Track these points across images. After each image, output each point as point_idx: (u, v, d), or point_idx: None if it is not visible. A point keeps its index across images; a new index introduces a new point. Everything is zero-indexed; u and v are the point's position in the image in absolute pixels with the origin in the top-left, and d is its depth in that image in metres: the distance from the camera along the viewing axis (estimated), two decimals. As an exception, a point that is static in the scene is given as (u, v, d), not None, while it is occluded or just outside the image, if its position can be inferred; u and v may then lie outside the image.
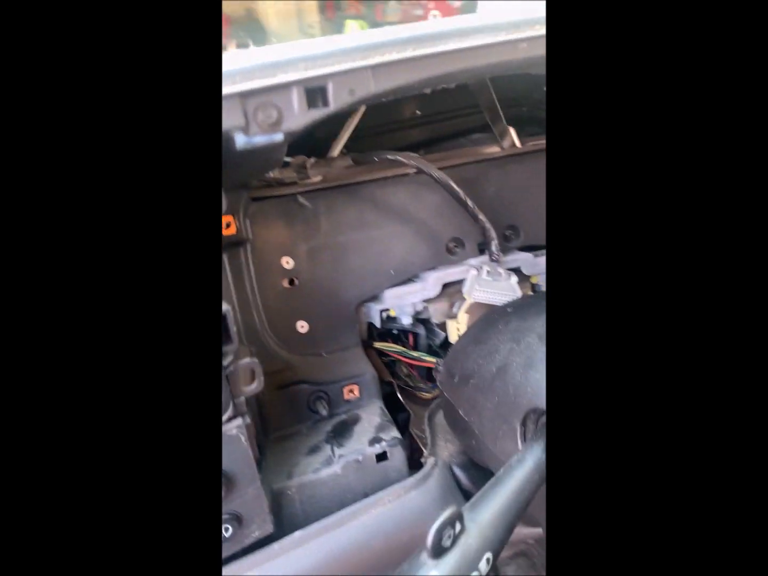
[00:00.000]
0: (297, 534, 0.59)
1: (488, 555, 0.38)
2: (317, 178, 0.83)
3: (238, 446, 0.50)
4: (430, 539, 0.36)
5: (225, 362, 0.46)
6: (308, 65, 0.43)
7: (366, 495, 0.67)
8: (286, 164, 0.84)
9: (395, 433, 0.71)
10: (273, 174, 0.81)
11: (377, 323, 0.91)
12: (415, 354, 0.96)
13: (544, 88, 1.06)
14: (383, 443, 0.68)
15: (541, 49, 0.50)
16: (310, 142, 0.95)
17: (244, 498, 0.53)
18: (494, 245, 0.86)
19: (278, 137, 0.44)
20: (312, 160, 0.83)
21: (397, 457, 0.69)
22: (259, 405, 0.73)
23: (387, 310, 0.91)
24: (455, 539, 0.37)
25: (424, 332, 1.00)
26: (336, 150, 0.86)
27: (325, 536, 0.60)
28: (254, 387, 0.50)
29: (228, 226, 0.73)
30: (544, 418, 0.51)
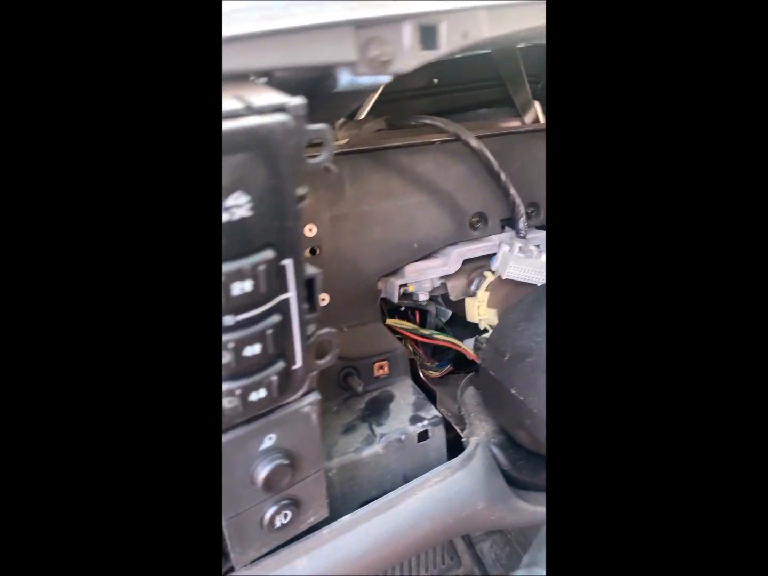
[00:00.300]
0: (346, 518, 0.56)
1: None
2: (344, 141, 0.77)
3: (309, 426, 0.45)
4: None
5: (308, 332, 0.41)
6: (423, -2, 0.38)
7: (405, 476, 0.64)
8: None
9: (435, 411, 0.68)
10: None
11: (395, 299, 0.87)
12: (426, 332, 0.94)
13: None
14: (425, 422, 0.65)
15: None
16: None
17: (306, 482, 0.48)
18: (522, 222, 0.84)
19: (384, 79, 0.39)
20: (341, 120, 0.77)
21: (438, 436, 0.66)
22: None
23: (406, 285, 0.87)
24: None
25: (434, 310, 0.97)
26: (364, 111, 0.80)
27: (374, 520, 0.56)
28: (327, 360, 0.45)
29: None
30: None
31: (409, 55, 0.39)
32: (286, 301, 0.37)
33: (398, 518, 0.57)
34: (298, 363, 0.41)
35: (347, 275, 0.80)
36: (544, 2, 0.43)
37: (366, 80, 0.38)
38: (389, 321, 0.92)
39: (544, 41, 0.77)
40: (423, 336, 0.93)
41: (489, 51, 0.98)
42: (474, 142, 0.76)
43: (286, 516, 0.48)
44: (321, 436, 0.46)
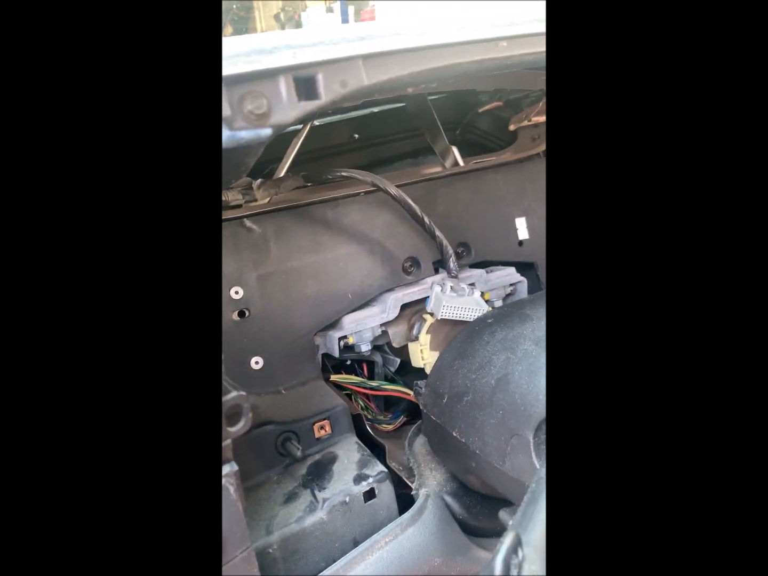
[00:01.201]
0: (290, 598, 0.51)
1: (552, 581, 0.33)
2: (264, 200, 0.77)
3: (227, 499, 0.41)
4: (498, 571, 0.31)
5: (211, 397, 0.38)
6: (297, 53, 0.39)
7: (355, 540, 0.60)
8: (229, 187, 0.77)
9: (380, 467, 0.64)
10: (217, 196, 0.74)
11: (336, 353, 0.84)
12: (374, 383, 0.91)
13: (479, 110, 1.09)
14: (370, 480, 0.62)
15: (519, 49, 0.50)
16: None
17: (233, 563, 0.44)
18: (452, 261, 0.85)
19: (265, 132, 0.39)
20: (258, 180, 0.77)
21: (386, 493, 0.62)
22: (221, 454, 0.64)
23: (345, 337, 0.85)
24: (520, 569, 0.32)
25: (381, 360, 0.95)
26: (283, 170, 0.80)
27: (321, 596, 0.52)
28: (241, 426, 0.42)
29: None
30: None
31: (288, 107, 0.39)
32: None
33: (348, 590, 0.53)
34: (206, 432, 0.38)
35: (281, 334, 0.78)
36: (425, 50, 0.44)
37: (246, 134, 0.38)
38: (334, 377, 0.89)
39: (440, 88, 0.80)
40: (371, 388, 0.91)
41: (403, 104, 1.02)
42: (393, 190, 0.77)
43: (213, 606, 0.43)
44: (243, 510, 0.43)
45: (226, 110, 0.36)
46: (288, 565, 0.57)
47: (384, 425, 0.91)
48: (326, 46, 0.40)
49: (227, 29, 6.15)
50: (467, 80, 0.78)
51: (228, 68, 0.36)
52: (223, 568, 0.44)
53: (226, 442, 0.42)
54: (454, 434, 0.58)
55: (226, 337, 0.74)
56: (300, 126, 0.86)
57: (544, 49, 0.52)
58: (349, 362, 0.95)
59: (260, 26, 6.26)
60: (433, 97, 0.98)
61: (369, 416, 0.91)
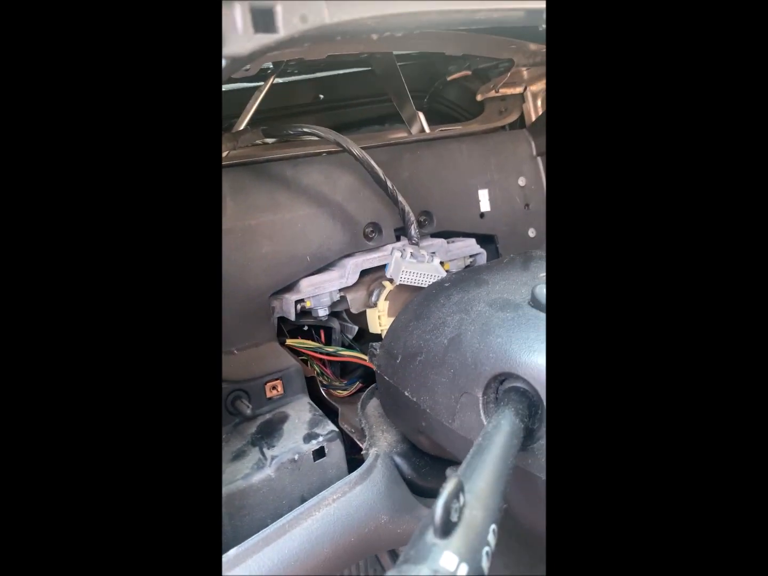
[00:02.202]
0: (231, 552, 0.50)
1: (493, 526, 0.34)
2: (223, 154, 0.74)
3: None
4: (438, 516, 0.31)
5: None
6: (254, -20, 0.36)
7: (303, 498, 0.60)
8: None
9: (331, 426, 0.64)
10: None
11: (292, 316, 0.83)
12: (330, 349, 0.90)
13: (447, 79, 1.08)
14: (320, 438, 0.61)
15: (488, 5, 0.49)
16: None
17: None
18: (413, 228, 0.84)
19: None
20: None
21: (336, 452, 0.62)
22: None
23: (303, 301, 0.84)
24: (461, 513, 0.33)
25: (338, 326, 0.95)
26: (242, 124, 0.77)
27: (265, 550, 0.51)
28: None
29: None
30: (508, 383, 0.48)
31: (243, 38, 0.37)
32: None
33: (293, 544, 0.53)
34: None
35: (235, 293, 0.76)
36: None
37: (197, 63, 0.36)
38: (289, 341, 0.88)
39: (407, 45, 0.78)
40: (327, 354, 0.90)
41: (370, 68, 0.99)
42: (356, 151, 0.76)
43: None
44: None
45: (174, 34, 0.34)
46: (234, 520, 0.56)
47: (339, 391, 0.91)
48: (286, -24, 0.38)
49: None
50: (435, 40, 0.76)
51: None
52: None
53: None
54: (406, 393, 0.58)
55: (178, 294, 0.72)
56: (261, 83, 0.83)
57: (513, 6, 0.51)
58: (306, 328, 0.94)
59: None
60: (401, 63, 0.96)
61: (324, 382, 0.90)
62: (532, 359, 0.46)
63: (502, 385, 0.49)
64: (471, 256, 0.98)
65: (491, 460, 0.39)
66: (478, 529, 0.33)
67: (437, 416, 0.54)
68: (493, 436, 0.41)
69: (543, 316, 0.50)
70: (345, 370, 0.98)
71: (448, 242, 0.94)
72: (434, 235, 0.95)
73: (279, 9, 0.38)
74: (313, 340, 0.93)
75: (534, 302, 0.52)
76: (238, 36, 0.37)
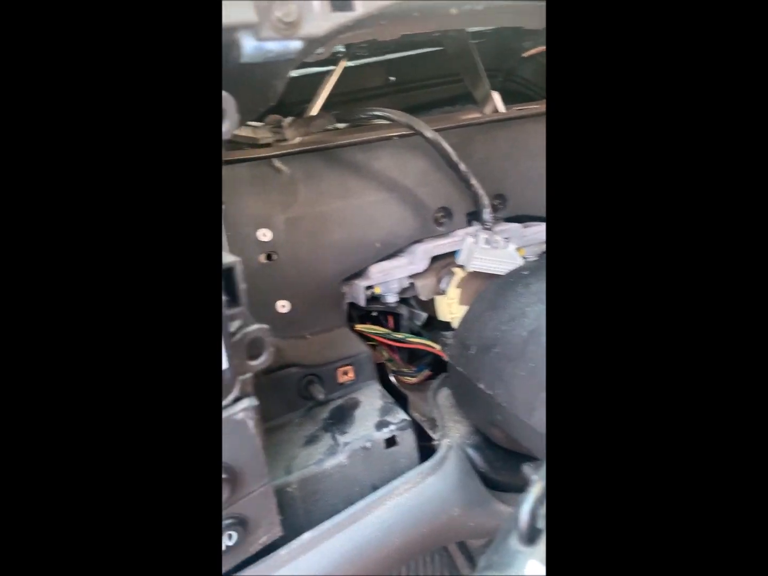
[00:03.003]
0: (306, 536, 0.51)
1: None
2: (295, 140, 0.74)
3: (245, 434, 0.40)
4: (523, 522, 0.29)
5: (232, 328, 0.37)
6: (331, -44, 0.35)
7: (374, 486, 0.60)
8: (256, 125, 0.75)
9: (403, 415, 0.63)
10: (245, 133, 0.72)
11: (362, 302, 0.83)
12: (399, 335, 0.89)
13: (523, 56, 1.03)
14: (392, 426, 0.61)
15: None
16: (282, 109, 0.86)
17: (251, 497, 0.43)
18: (487, 212, 0.81)
19: (294, 45, 0.36)
20: (289, 118, 0.74)
21: (407, 441, 0.61)
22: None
23: (372, 287, 0.83)
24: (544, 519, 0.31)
25: (407, 313, 0.93)
26: (315, 109, 0.77)
27: (338, 536, 0.52)
28: (262, 361, 0.41)
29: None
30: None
31: (320, 17, 0.35)
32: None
33: (364, 532, 0.53)
34: (225, 364, 0.37)
35: (307, 280, 0.76)
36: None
37: (274, 46, 0.35)
38: (358, 326, 0.88)
39: (487, 19, 0.75)
40: (396, 340, 0.89)
41: (442, 48, 0.96)
42: (429, 133, 0.73)
43: (231, 537, 0.43)
44: (262, 445, 0.42)
45: (251, 15, 0.33)
46: (307, 504, 0.57)
47: (408, 377, 0.90)
48: (364, -50, 0.36)
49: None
50: (513, 14, 0.72)
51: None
52: (241, 502, 0.44)
53: (247, 376, 0.41)
54: (480, 385, 0.56)
55: (254, 278, 0.73)
56: (332, 67, 0.83)
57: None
58: (375, 314, 0.94)
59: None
60: (474, 41, 0.91)
61: (393, 368, 0.90)
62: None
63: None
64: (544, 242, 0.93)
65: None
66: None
67: (514, 411, 0.52)
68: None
69: None
70: (413, 356, 0.97)
71: (523, 227, 0.90)
72: (509, 220, 0.91)
73: (357, -15, 0.36)
74: (381, 326, 0.92)
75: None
76: (315, 16, 0.35)
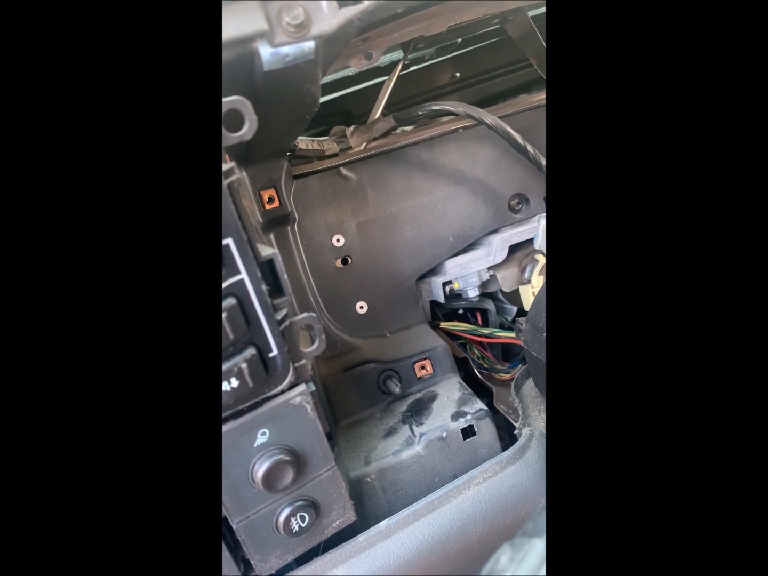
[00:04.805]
0: (383, 524, 0.52)
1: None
2: (360, 147, 0.77)
3: (305, 419, 0.43)
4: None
5: (278, 317, 0.40)
6: (333, -45, 0.37)
7: (455, 476, 0.59)
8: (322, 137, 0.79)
9: (480, 404, 0.62)
10: (312, 146, 0.76)
11: (441, 299, 0.82)
12: (486, 331, 0.87)
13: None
14: (468, 416, 0.60)
15: None
16: (346, 120, 0.90)
17: (319, 481, 0.45)
18: (563, 193, 0.77)
19: (308, 45, 0.38)
20: (351, 127, 0.77)
21: (486, 430, 0.60)
22: (326, 391, 0.67)
23: (450, 282, 0.82)
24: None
25: (494, 308, 0.91)
26: (376, 113, 0.80)
27: (415, 524, 0.52)
28: (315, 347, 0.43)
29: (271, 200, 0.67)
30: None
31: (328, 15, 0.37)
32: (239, 283, 0.37)
33: (444, 521, 0.52)
34: (274, 350, 0.40)
35: (383, 280, 0.78)
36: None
37: (290, 50, 0.37)
38: (443, 324, 0.88)
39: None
40: (482, 336, 0.87)
41: (505, 35, 0.94)
42: (489, 119, 0.72)
43: (303, 519, 0.45)
44: (322, 430, 0.44)
45: (263, 25, 0.36)
46: (387, 495, 0.58)
47: (502, 374, 0.87)
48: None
49: None
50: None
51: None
52: (309, 485, 0.46)
53: (302, 362, 0.43)
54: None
55: (332, 283, 0.77)
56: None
57: None
58: (461, 311, 0.93)
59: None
60: (533, 13, 0.88)
61: (485, 365, 0.88)
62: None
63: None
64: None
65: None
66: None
67: (590, 390, 0.49)
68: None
69: None
70: (509, 353, 0.94)
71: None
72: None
73: (361, -22, 0.38)
74: (470, 323, 0.91)
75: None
76: (323, 15, 0.37)
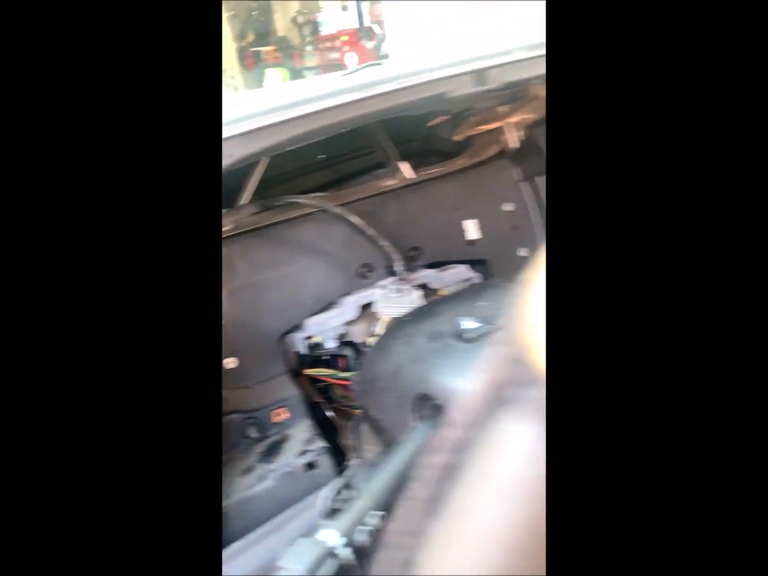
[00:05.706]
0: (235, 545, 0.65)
1: (381, 513, 0.46)
2: (229, 226, 0.92)
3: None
4: (320, 504, 0.44)
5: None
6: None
7: (300, 500, 0.74)
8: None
9: (322, 443, 0.78)
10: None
11: (303, 350, 0.98)
12: (345, 374, 1.04)
13: (428, 124, 1.19)
14: (310, 453, 0.76)
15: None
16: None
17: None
18: (397, 265, 0.97)
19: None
20: (224, 209, 0.92)
21: (326, 464, 0.76)
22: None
23: (310, 337, 0.99)
24: (347, 503, 0.45)
25: (353, 353, 1.08)
26: (244, 198, 0.95)
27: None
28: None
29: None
30: (431, 402, 0.60)
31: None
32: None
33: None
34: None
35: (251, 338, 0.92)
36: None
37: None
38: (307, 371, 1.03)
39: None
40: (341, 379, 1.04)
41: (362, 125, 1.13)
42: (334, 210, 0.90)
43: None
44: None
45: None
46: (245, 521, 0.71)
47: (358, 410, 1.04)
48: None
49: (249, 36, 6.36)
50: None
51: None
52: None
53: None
54: (370, 413, 0.71)
55: (205, 342, 0.89)
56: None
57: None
58: (326, 358, 1.09)
59: (280, 28, 6.44)
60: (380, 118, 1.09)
61: (345, 403, 1.04)
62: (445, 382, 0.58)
63: (428, 403, 0.61)
64: (466, 280, 1.09)
65: (391, 467, 0.51)
66: (361, 513, 0.45)
67: (392, 430, 0.67)
68: (399, 449, 0.54)
69: (461, 345, 0.61)
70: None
71: (441, 270, 1.06)
72: (428, 266, 1.07)
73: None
74: (331, 368, 1.07)
75: (455, 334, 0.63)
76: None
